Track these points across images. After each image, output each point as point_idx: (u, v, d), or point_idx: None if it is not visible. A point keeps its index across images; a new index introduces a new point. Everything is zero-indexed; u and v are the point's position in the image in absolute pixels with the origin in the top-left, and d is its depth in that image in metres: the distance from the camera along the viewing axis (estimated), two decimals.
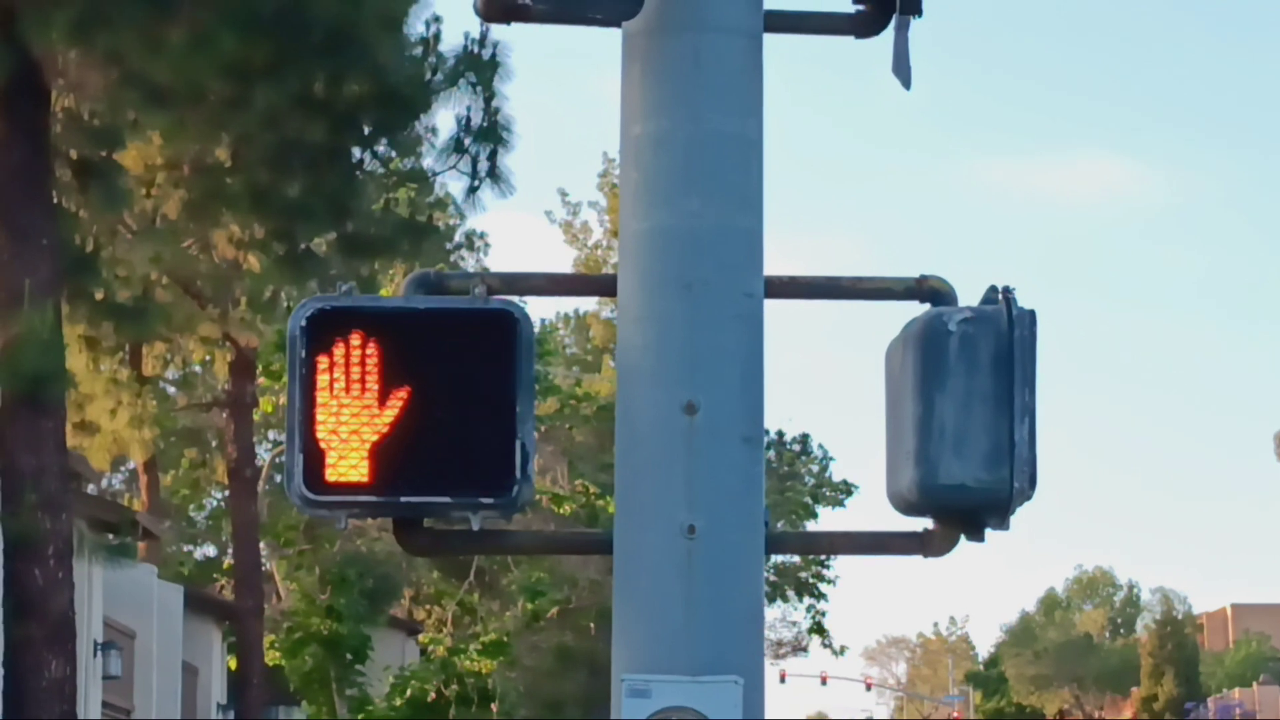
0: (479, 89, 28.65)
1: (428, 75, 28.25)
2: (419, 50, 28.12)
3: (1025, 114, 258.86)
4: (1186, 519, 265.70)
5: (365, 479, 7.33)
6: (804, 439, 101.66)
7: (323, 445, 7.34)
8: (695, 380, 7.26)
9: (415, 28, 27.79)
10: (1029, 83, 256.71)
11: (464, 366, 7.37)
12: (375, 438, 7.34)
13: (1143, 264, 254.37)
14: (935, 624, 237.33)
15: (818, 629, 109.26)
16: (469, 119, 28.78)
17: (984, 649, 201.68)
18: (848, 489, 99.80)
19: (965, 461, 7.43)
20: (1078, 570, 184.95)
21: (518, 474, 7.33)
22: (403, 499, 7.39)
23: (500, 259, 77.26)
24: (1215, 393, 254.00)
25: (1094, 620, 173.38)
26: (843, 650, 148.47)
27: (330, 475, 7.33)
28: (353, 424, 7.34)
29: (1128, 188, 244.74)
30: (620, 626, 7.35)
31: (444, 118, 28.71)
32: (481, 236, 70.06)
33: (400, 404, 7.35)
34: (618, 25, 7.37)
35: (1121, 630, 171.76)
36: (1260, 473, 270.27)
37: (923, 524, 7.68)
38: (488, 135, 28.85)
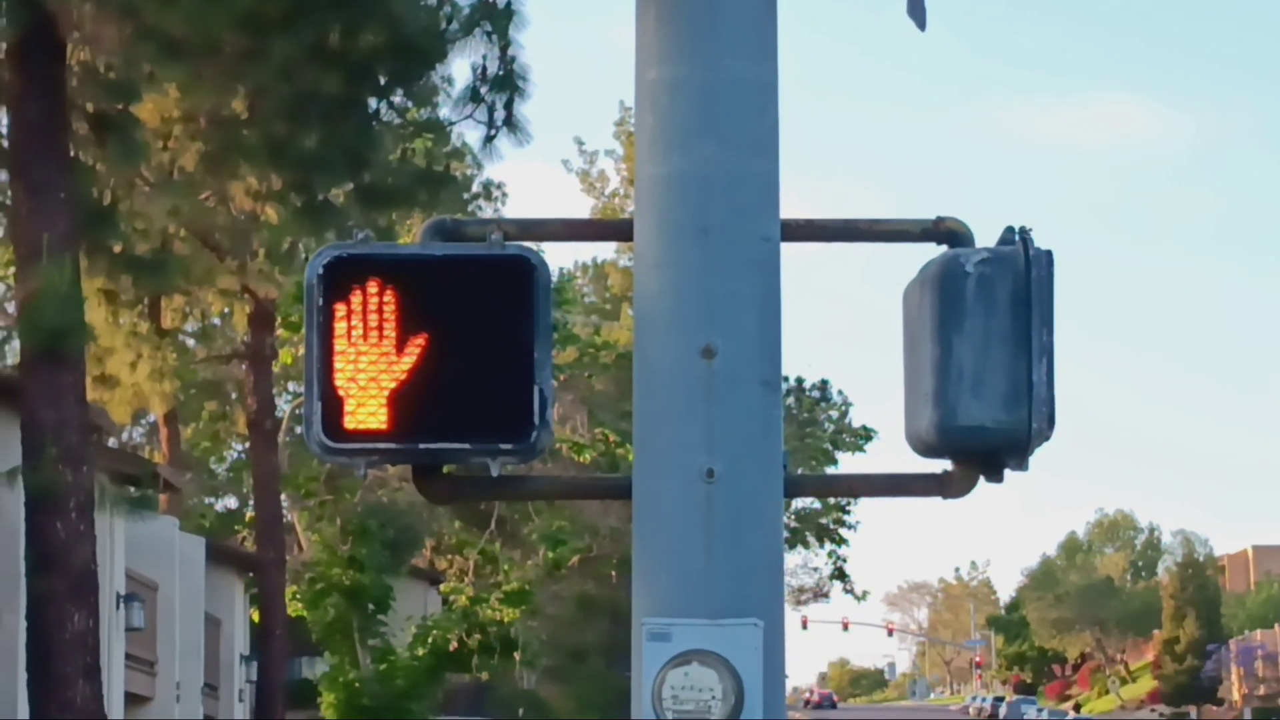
0: (494, 38, 28.60)
1: (443, 25, 28.20)
2: (434, 0, 28.08)
3: (1047, 53, 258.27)
4: (1208, 461, 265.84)
5: (384, 426, 7.31)
6: (823, 385, 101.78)
7: (341, 393, 7.32)
8: (713, 324, 7.25)
9: None
10: (1052, 20, 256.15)
11: (481, 313, 7.33)
12: (394, 385, 7.32)
13: (1163, 204, 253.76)
14: (956, 569, 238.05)
15: (839, 574, 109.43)
16: (485, 68, 28.73)
17: (1005, 593, 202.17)
18: (867, 434, 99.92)
19: (983, 402, 7.39)
20: (1098, 513, 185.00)
21: (536, 420, 7.29)
22: (422, 446, 7.37)
23: (518, 208, 77.18)
24: (1237, 334, 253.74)
25: (1115, 563, 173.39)
26: (864, 596, 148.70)
27: (349, 423, 7.31)
28: (371, 371, 7.32)
29: (1146, 130, 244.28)
30: (640, 571, 7.35)
31: (460, 67, 28.69)
32: (499, 186, 70.19)
33: (418, 351, 7.32)
34: None
35: (1143, 573, 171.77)
36: (1275, 416, 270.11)
37: (942, 466, 7.65)
38: (504, 84, 28.80)
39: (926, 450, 7.62)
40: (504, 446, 7.33)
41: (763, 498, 7.29)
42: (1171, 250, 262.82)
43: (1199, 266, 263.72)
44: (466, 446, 7.36)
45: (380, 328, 7.33)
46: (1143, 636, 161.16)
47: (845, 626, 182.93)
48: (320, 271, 7.35)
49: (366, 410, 7.32)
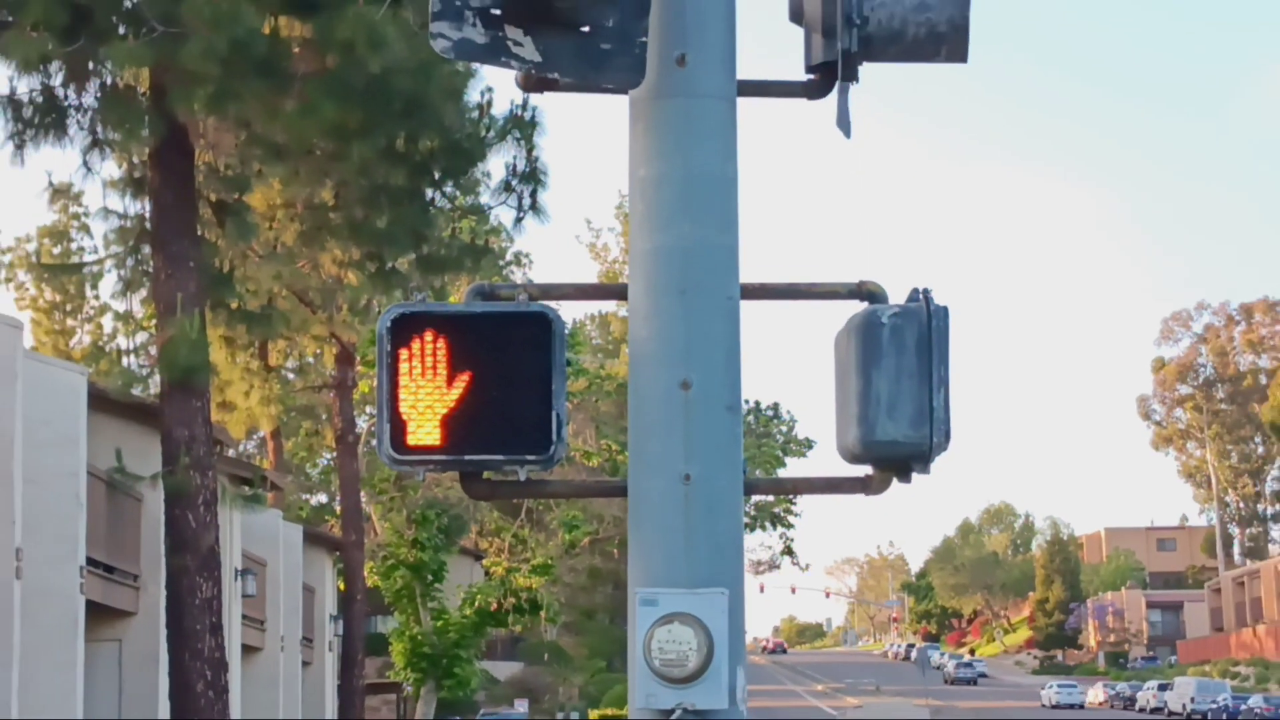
0: (522, 143, 28.66)
1: (483, 132, 28.23)
2: (476, 113, 28.10)
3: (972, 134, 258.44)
4: (1069, 462, 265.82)
5: (438, 442, 7.35)
6: (775, 406, 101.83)
7: (405, 417, 7.36)
8: (689, 363, 7.27)
9: (472, 96, 27.77)
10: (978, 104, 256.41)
11: (512, 355, 7.37)
12: (445, 411, 7.35)
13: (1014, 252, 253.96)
14: (878, 546, 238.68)
15: (788, 551, 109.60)
16: (515, 165, 28.79)
17: (915, 565, 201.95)
18: (809, 444, 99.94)
19: (896, 422, 7.47)
20: (986, 503, 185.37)
21: (554, 437, 7.35)
22: (467, 457, 7.40)
23: (540, 272, 77.30)
24: (1090, 360, 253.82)
25: (999, 542, 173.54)
26: (807, 567, 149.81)
27: (411, 440, 7.35)
28: (427, 400, 7.36)
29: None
30: (634, 551, 7.35)
31: (496, 165, 28.75)
32: (526, 255, 70.24)
33: (464, 385, 7.35)
34: (625, 93, 7.36)
35: (1020, 549, 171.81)
36: (1125, 426, 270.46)
37: (865, 470, 7.69)
38: (529, 178, 28.86)
39: (853, 458, 7.65)
40: (529, 457, 7.38)
41: (728, 495, 7.31)
42: (1061, 287, 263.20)
43: (1055, 310, 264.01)
44: (501, 457, 7.39)
45: (434, 367, 7.36)
46: (1021, 597, 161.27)
47: (793, 591, 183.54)
48: (389, 324, 7.39)
49: (424, 430, 7.35)
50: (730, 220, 7.38)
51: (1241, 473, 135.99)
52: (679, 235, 7.30)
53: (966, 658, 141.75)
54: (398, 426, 7.34)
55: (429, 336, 7.37)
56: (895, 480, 7.65)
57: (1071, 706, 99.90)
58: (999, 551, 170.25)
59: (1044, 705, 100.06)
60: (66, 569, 27.75)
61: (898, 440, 7.47)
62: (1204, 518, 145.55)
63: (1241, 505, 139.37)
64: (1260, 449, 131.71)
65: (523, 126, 28.47)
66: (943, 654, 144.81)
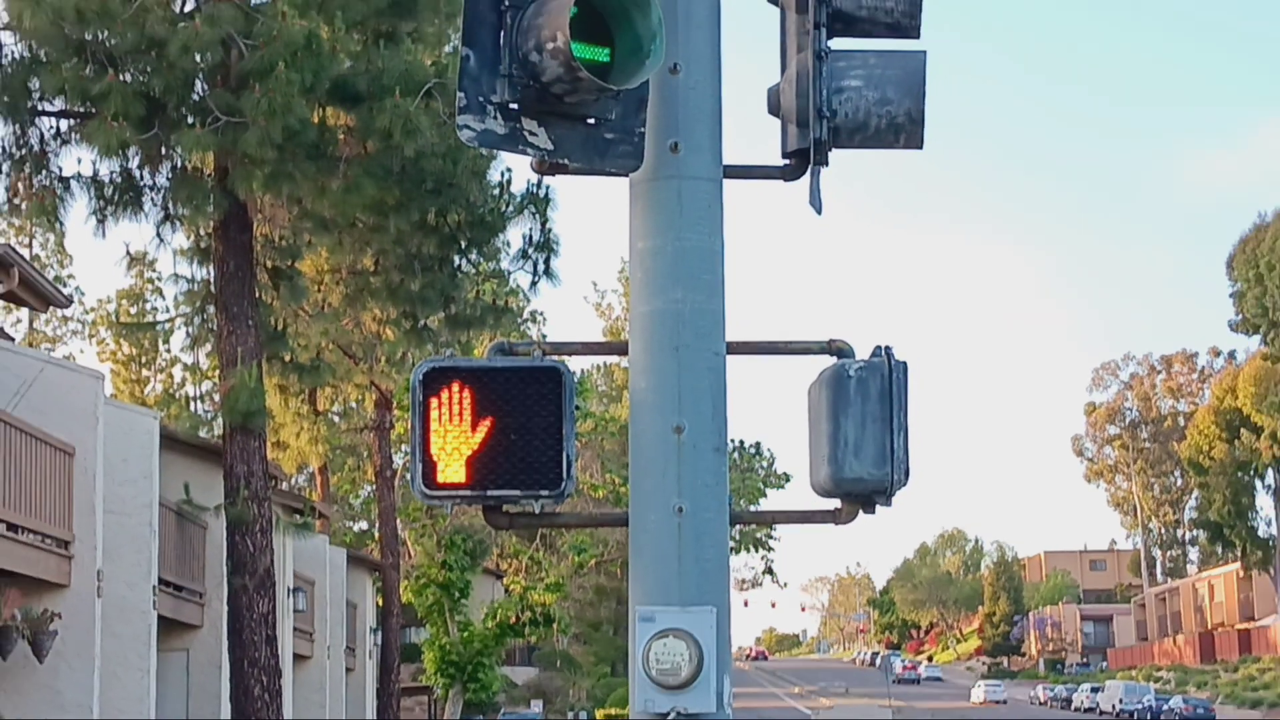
0: (537, 216, 28.71)
1: (503, 208, 28.26)
2: (497, 191, 28.13)
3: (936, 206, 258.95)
4: (1014, 492, 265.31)
5: (464, 480, 7.33)
6: (757, 444, 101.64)
7: (435, 458, 7.33)
8: (681, 411, 7.26)
9: (494, 176, 27.81)
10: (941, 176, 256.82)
11: (528, 404, 7.35)
12: (470, 452, 7.33)
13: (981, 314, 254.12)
14: (847, 567, 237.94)
15: (768, 571, 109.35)
16: (531, 236, 28.85)
17: (879, 582, 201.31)
18: (787, 477, 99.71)
19: (862, 462, 7.45)
20: (941, 529, 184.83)
21: (565, 475, 7.33)
22: (489, 492, 7.37)
23: (553, 327, 77.29)
24: (1030, 403, 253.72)
25: (953, 563, 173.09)
26: (785, 585, 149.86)
27: (440, 478, 7.33)
28: (454, 443, 7.33)
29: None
30: (634, 574, 7.33)
31: (515, 235, 28.79)
32: (541, 314, 70.16)
33: (486, 430, 7.33)
34: (626, 176, 7.37)
35: (971, 569, 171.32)
36: (1061, 461, 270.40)
37: (835, 503, 7.66)
38: (544, 247, 28.91)
39: (824, 493, 7.63)
40: (543, 493, 7.35)
41: (715, 526, 7.28)
42: (1005, 341, 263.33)
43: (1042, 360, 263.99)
44: (518, 493, 7.36)
45: (461, 414, 7.34)
46: (971, 611, 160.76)
47: (773, 605, 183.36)
48: (421, 377, 7.37)
49: (452, 469, 7.33)
50: (717, 287, 7.38)
51: (1163, 503, 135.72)
52: (672, 300, 7.30)
53: (925, 663, 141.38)
54: (429, 466, 7.32)
55: (456, 387, 7.35)
56: (861, 512, 7.62)
57: (996, 703, 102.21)
58: (952, 571, 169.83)
59: (974, 704, 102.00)
60: (141, 588, 27.66)
61: (863, 477, 7.45)
62: (1130, 542, 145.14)
63: (1163, 531, 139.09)
64: (1179, 482, 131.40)
65: (538, 203, 28.53)
66: (903, 660, 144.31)
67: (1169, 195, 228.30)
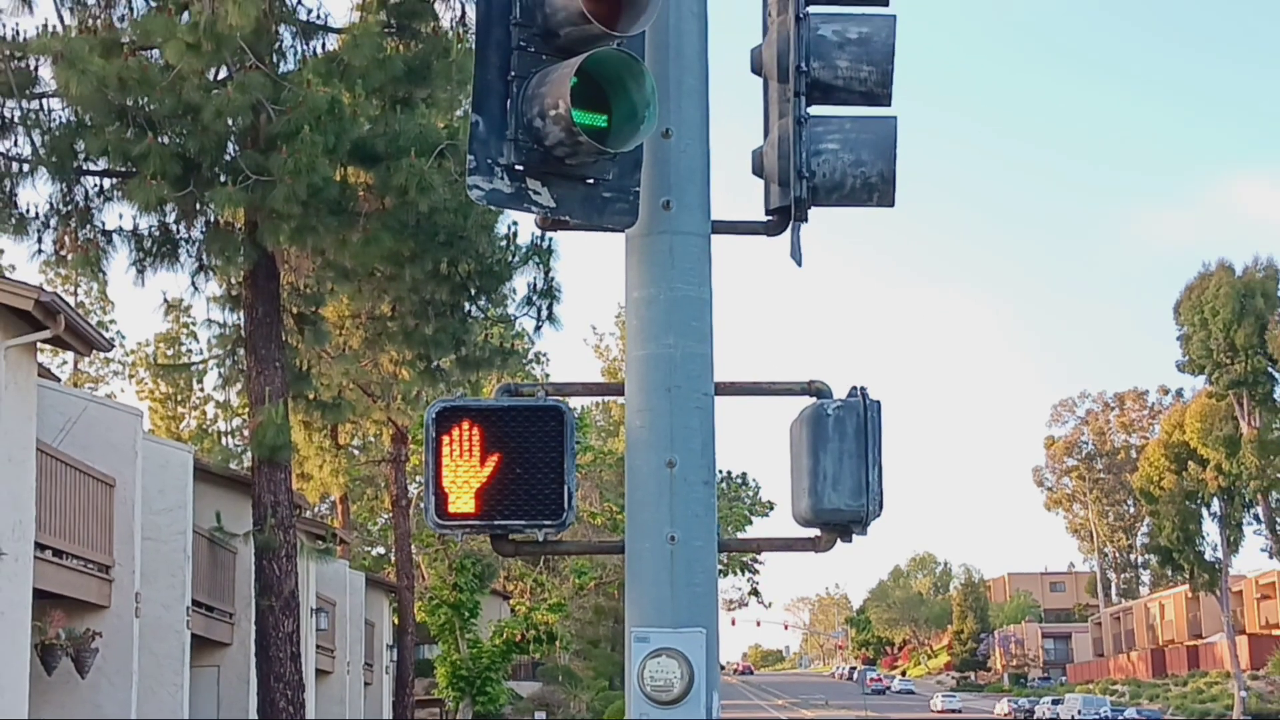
0: (541, 266, 28.75)
1: (510, 258, 28.30)
2: (504, 243, 28.18)
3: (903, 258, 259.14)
4: (980, 519, 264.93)
5: (473, 511, 7.29)
6: (743, 474, 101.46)
7: (446, 490, 7.30)
8: (674, 447, 7.22)
9: (501, 229, 27.86)
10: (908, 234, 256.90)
11: (532, 441, 7.32)
12: (479, 485, 7.29)
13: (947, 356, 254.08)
14: (826, 588, 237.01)
15: (754, 592, 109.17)
16: (536, 284, 28.88)
17: (856, 602, 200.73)
18: (771, 505, 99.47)
19: (840, 494, 7.41)
20: (913, 553, 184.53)
21: (566, 506, 7.30)
22: (496, 522, 7.33)
23: (555, 367, 77.25)
24: (995, 437, 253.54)
25: (924, 584, 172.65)
26: (770, 605, 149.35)
27: (451, 509, 7.29)
28: (465, 477, 7.30)
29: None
30: (630, 598, 7.29)
31: (520, 283, 28.83)
32: (544, 354, 70.17)
33: (494, 464, 7.30)
34: (622, 231, 7.38)
35: (940, 590, 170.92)
36: (1023, 491, 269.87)
37: (814, 532, 7.63)
38: (547, 294, 28.93)
39: (805, 523, 7.60)
40: (546, 522, 7.32)
41: (705, 554, 7.24)
42: (971, 380, 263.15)
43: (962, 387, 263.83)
44: (523, 522, 7.33)
45: (470, 450, 7.31)
46: (941, 629, 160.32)
47: (758, 624, 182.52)
48: (434, 416, 7.35)
49: (462, 501, 7.29)
50: (706, 333, 7.36)
51: (1117, 529, 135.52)
52: (665, 345, 7.27)
53: (898, 677, 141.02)
54: (441, 498, 7.30)
55: (466, 425, 7.32)
56: (839, 540, 7.60)
57: (954, 711, 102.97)
58: (923, 592, 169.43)
59: (934, 711, 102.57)
60: (176, 609, 27.60)
61: (841, 509, 7.42)
62: (1087, 565, 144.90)
63: (1117, 555, 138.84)
64: (1132, 510, 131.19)
65: (541, 254, 28.56)
66: (879, 674, 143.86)
67: (1122, 248, 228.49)
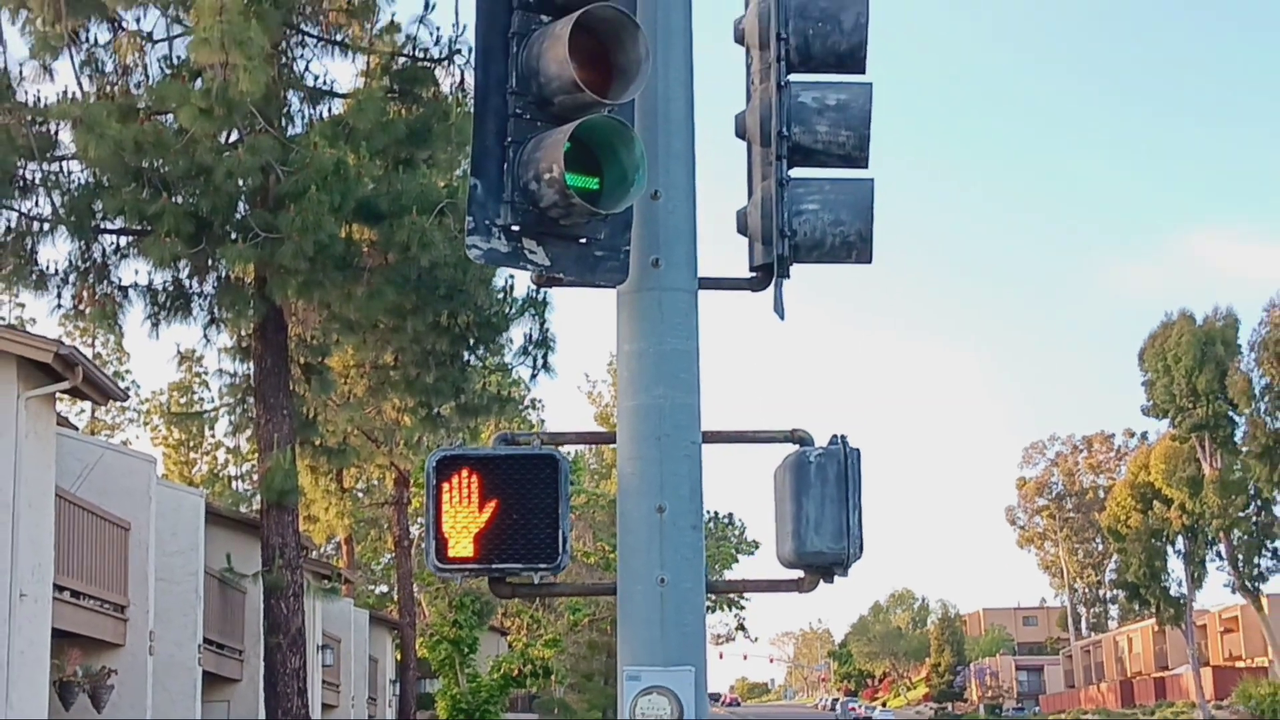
0: (537, 318, 28.76)
1: (507, 310, 28.31)
2: (501, 296, 28.19)
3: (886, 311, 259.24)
4: (956, 556, 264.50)
5: (472, 555, 7.25)
6: (730, 515, 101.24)
7: (446, 535, 7.26)
8: (663, 493, 7.20)
9: (498, 283, 27.88)
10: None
11: (528, 487, 7.30)
12: (477, 530, 7.25)
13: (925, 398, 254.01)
14: (810, 623, 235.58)
15: (741, 628, 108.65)
16: (531, 335, 28.87)
17: (838, 636, 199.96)
18: (756, 544, 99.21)
19: (822, 537, 7.39)
20: (892, 589, 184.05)
21: (561, 550, 7.27)
22: (494, 565, 7.29)
23: (550, 412, 77.34)
24: (970, 478, 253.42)
25: (903, 619, 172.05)
26: (756, 639, 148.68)
27: (451, 553, 7.26)
28: (464, 522, 7.26)
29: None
30: (622, 637, 7.26)
31: (517, 334, 28.83)
32: (540, 401, 70.09)
33: (492, 510, 7.27)
34: (613, 288, 7.39)
35: (919, 624, 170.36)
36: (997, 529, 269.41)
37: (798, 573, 7.61)
38: (542, 344, 28.92)
39: (789, 565, 7.58)
40: (542, 565, 7.28)
41: (693, 595, 7.22)
42: (948, 424, 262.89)
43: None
44: (520, 566, 7.29)
45: (469, 496, 7.28)
46: (919, 662, 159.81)
47: (745, 658, 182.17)
48: (434, 464, 7.32)
49: (461, 545, 7.26)
50: (693, 385, 7.36)
51: (1086, 566, 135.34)
52: (655, 396, 7.27)
53: (879, 709, 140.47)
54: (441, 542, 7.26)
55: (465, 473, 7.29)
56: (822, 581, 7.58)
57: None
58: (902, 626, 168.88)
59: None
60: (188, 647, 27.49)
61: (823, 551, 7.39)
62: (1058, 600, 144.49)
63: (1087, 591, 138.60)
64: (1100, 548, 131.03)
65: (536, 306, 28.58)
66: (860, 705, 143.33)
67: (1091, 299, 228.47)
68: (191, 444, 68.46)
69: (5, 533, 19.36)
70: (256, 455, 28.98)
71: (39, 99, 24.67)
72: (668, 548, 7.16)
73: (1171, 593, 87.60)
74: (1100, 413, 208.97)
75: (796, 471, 7.47)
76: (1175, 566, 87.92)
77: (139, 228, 24.66)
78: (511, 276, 28.32)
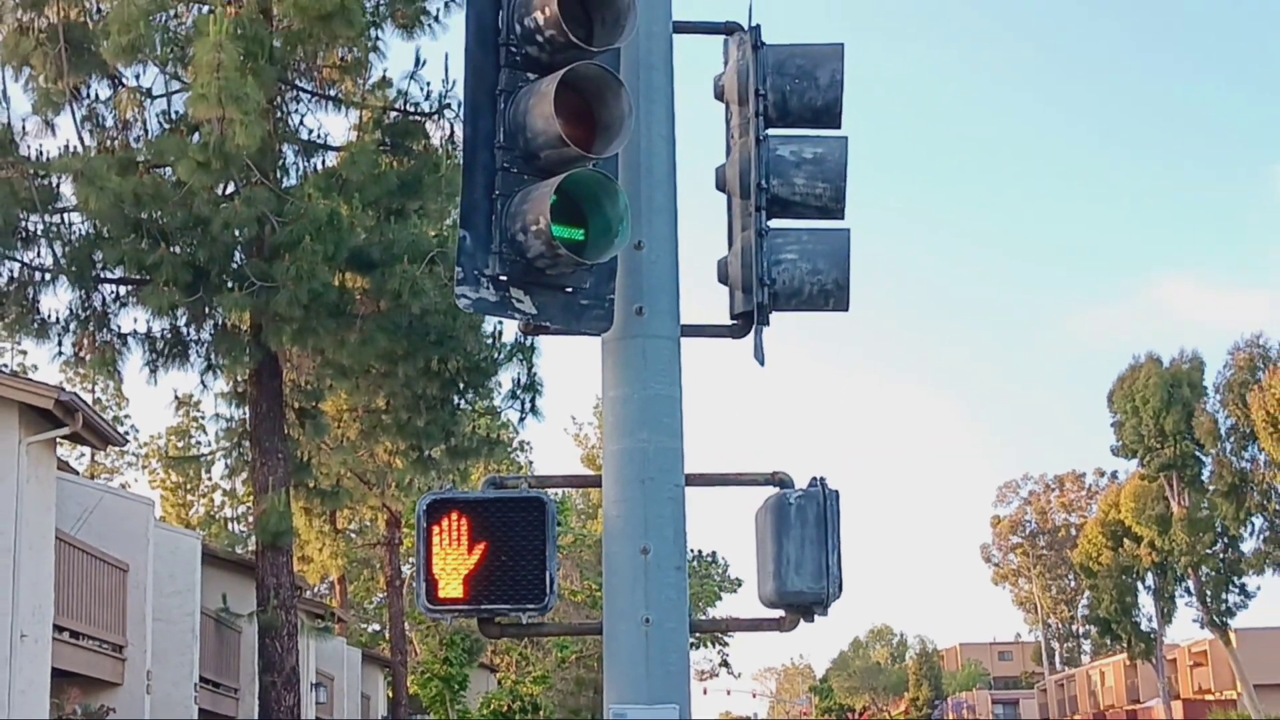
0: (524, 363, 28.72)
1: (496, 356, 28.28)
2: (490, 341, 28.18)
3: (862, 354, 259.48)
4: (933, 593, 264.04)
5: (461, 596, 7.22)
6: (713, 553, 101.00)
7: (436, 576, 7.23)
8: (648, 534, 7.18)
9: (487, 329, 27.87)
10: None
11: (517, 530, 7.27)
12: (467, 571, 7.22)
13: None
14: (791, 658, 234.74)
15: (724, 664, 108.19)
16: (519, 379, 28.83)
17: (819, 671, 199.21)
18: (739, 582, 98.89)
19: (802, 577, 7.38)
20: (871, 625, 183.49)
21: (548, 591, 7.23)
22: (483, 606, 7.26)
23: (539, 455, 77.12)
24: (945, 517, 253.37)
25: (881, 654, 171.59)
26: (739, 675, 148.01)
27: (441, 593, 7.22)
28: (453, 563, 7.23)
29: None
30: (608, 676, 7.23)
31: (505, 379, 28.77)
32: (528, 443, 69.96)
33: (481, 552, 7.24)
34: (598, 336, 7.40)
35: (897, 659, 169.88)
36: (972, 567, 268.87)
37: (779, 613, 7.60)
38: (530, 388, 28.88)
39: (770, 604, 7.56)
40: (529, 606, 7.24)
41: (677, 635, 7.18)
42: (923, 464, 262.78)
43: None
44: (508, 606, 7.26)
45: (459, 539, 7.25)
46: (898, 696, 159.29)
47: (728, 693, 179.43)
48: (425, 507, 7.30)
49: (451, 586, 7.22)
50: (676, 429, 7.35)
51: (1059, 602, 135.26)
52: (639, 440, 7.26)
53: None
54: (431, 584, 7.23)
55: (455, 516, 7.27)
56: (802, 620, 7.56)
57: None
58: (881, 661, 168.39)
59: None
60: (185, 686, 27.34)
61: (803, 591, 7.37)
62: (1033, 635, 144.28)
63: (1060, 626, 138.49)
64: (1073, 584, 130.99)
65: (524, 351, 28.55)
66: None
67: (1061, 342, 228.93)
68: (189, 487, 68.23)
69: (6, 575, 19.28)
70: (252, 498, 28.89)
71: (41, 153, 24.70)
72: (652, 588, 7.13)
73: (1142, 628, 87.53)
74: (1071, 453, 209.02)
75: (777, 513, 7.46)
76: (1145, 602, 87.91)
77: (138, 277, 24.64)
78: (500, 323, 28.32)
